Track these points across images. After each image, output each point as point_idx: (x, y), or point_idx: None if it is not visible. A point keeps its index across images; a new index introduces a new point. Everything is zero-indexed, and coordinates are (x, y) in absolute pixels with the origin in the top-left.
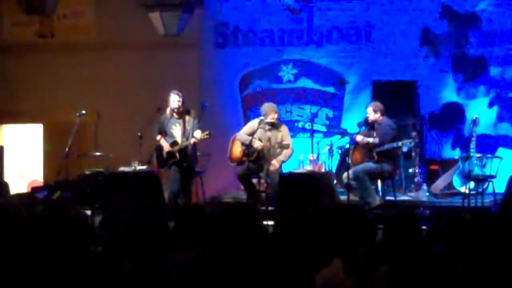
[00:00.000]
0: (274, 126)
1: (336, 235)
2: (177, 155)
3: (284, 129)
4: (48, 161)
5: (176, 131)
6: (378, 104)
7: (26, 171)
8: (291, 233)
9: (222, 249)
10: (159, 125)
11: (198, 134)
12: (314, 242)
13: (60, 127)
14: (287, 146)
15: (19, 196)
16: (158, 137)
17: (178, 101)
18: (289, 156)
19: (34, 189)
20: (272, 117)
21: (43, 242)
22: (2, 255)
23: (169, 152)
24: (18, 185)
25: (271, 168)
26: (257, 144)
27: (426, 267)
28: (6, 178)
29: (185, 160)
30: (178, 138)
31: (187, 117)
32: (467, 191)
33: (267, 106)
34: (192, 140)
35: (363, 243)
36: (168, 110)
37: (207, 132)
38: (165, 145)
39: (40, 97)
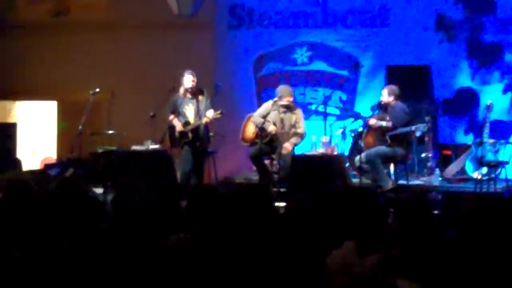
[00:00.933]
0: (288, 108)
1: (348, 217)
2: (190, 134)
3: (298, 112)
4: (61, 138)
5: (189, 110)
6: (393, 87)
7: (39, 148)
8: (302, 214)
9: (233, 229)
10: (172, 105)
11: (210, 113)
12: (325, 224)
13: (74, 105)
14: (300, 132)
15: (32, 172)
16: (171, 117)
17: (192, 81)
18: (302, 139)
19: (47, 166)
20: (287, 100)
21: (54, 219)
22: (14, 231)
23: (181, 132)
24: (31, 161)
25: (283, 151)
26: (271, 128)
27: (436, 251)
28: (19, 154)
29: (198, 140)
30: (191, 118)
31: (200, 97)
32: (479, 177)
33: (283, 89)
34: (204, 120)
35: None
36: (181, 90)
37: (219, 112)
38: (178, 125)
39: (54, 74)
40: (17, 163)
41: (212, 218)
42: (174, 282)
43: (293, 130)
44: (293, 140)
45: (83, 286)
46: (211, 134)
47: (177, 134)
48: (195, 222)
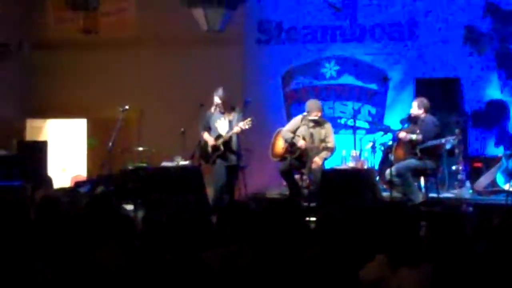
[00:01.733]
0: (317, 123)
1: (379, 230)
2: (222, 147)
3: (328, 127)
4: (91, 155)
5: (221, 125)
6: (424, 100)
7: (69, 165)
8: (333, 227)
9: (265, 245)
10: (205, 121)
11: (241, 123)
12: (357, 237)
13: (104, 122)
14: (330, 147)
15: (63, 190)
16: (203, 133)
17: (221, 98)
18: (332, 153)
19: (77, 184)
20: (315, 115)
21: (86, 237)
22: (46, 249)
23: (214, 146)
24: (61, 179)
25: (314, 165)
26: (300, 143)
27: (469, 264)
28: (50, 172)
29: (230, 152)
30: (223, 132)
31: (232, 114)
32: (511, 189)
33: (311, 103)
34: (236, 129)
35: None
36: (213, 106)
37: (249, 120)
38: (210, 140)
39: (84, 92)
40: (49, 180)
41: (244, 234)
42: None
43: (323, 144)
44: (323, 154)
45: None
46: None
47: (209, 148)
48: (226, 238)
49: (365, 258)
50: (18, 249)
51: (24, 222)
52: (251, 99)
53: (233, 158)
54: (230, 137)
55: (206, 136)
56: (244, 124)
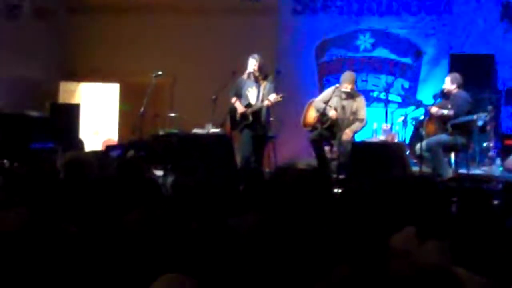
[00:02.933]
0: (350, 96)
1: (408, 204)
2: (250, 117)
3: (360, 100)
4: (123, 120)
5: (252, 93)
6: (457, 75)
7: (101, 129)
8: (361, 198)
9: (290, 215)
10: (236, 87)
11: (272, 97)
12: (384, 209)
13: (136, 87)
14: (361, 120)
15: (94, 153)
16: (234, 99)
17: (255, 65)
18: (362, 127)
19: (109, 148)
20: (345, 87)
21: (115, 200)
22: (73, 210)
23: (242, 114)
24: (93, 142)
25: (344, 136)
26: (331, 113)
27: (497, 240)
28: (82, 135)
29: (258, 123)
30: (253, 101)
31: (263, 82)
32: None
33: (345, 75)
34: (266, 103)
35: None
36: (245, 74)
37: (280, 95)
38: (239, 107)
39: (117, 57)
40: (80, 143)
41: (270, 203)
42: (235, 263)
43: (354, 117)
44: (354, 127)
45: (141, 263)
46: (271, 118)
47: (238, 116)
48: (252, 207)
49: (393, 229)
50: (46, 209)
51: (54, 183)
52: (283, 70)
53: (260, 128)
54: (260, 108)
55: (236, 103)
56: (276, 99)
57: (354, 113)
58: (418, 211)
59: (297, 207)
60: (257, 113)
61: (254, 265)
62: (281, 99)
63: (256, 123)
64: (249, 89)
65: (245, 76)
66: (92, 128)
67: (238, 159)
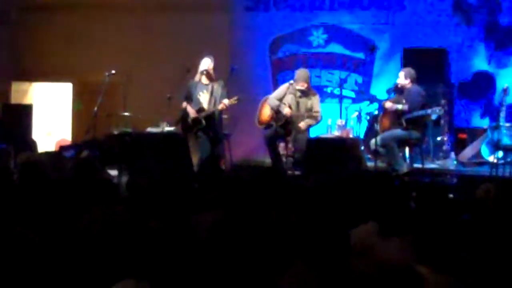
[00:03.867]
0: (305, 93)
1: (364, 200)
2: (203, 121)
3: (315, 98)
4: (77, 120)
5: (203, 97)
6: (410, 70)
7: (54, 129)
8: (320, 195)
9: (247, 212)
10: (187, 91)
11: (226, 101)
12: (341, 205)
13: (90, 86)
14: (315, 116)
15: (47, 154)
16: (184, 103)
17: (210, 64)
18: (317, 123)
19: (62, 148)
20: (301, 85)
21: (70, 201)
22: (28, 212)
23: (195, 119)
24: (46, 143)
25: (300, 128)
26: (286, 110)
27: (452, 234)
28: (35, 136)
29: (212, 126)
30: (205, 105)
31: (215, 85)
32: (495, 161)
33: (299, 72)
34: (220, 106)
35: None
36: (197, 75)
37: (235, 98)
38: (191, 111)
39: (70, 56)
40: (33, 144)
41: (227, 202)
42: (196, 262)
43: (308, 113)
44: (308, 121)
45: (101, 266)
46: (225, 116)
47: (190, 120)
48: (208, 205)
49: (351, 225)
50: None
51: (7, 186)
52: (237, 66)
53: (214, 131)
54: (213, 112)
55: (188, 107)
56: (231, 102)
57: (309, 110)
58: (377, 207)
59: (253, 204)
60: (209, 116)
61: (215, 263)
62: (236, 102)
63: (209, 127)
64: (201, 93)
65: (196, 78)
66: (45, 129)
67: (194, 159)
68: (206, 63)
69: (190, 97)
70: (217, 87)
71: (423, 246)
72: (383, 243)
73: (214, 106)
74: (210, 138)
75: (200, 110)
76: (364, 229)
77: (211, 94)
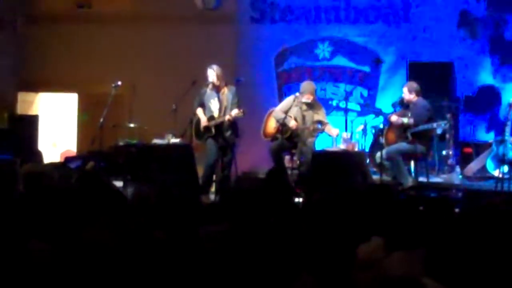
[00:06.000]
0: (311, 106)
1: (369, 214)
2: (213, 130)
3: (321, 112)
4: (82, 131)
5: (214, 105)
6: (414, 84)
7: (60, 140)
8: (324, 209)
9: (253, 224)
10: (199, 98)
11: (234, 112)
12: (346, 219)
13: (95, 97)
14: (325, 123)
15: (53, 165)
16: (198, 110)
17: (214, 75)
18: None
19: (67, 159)
20: (307, 98)
21: (76, 212)
22: (33, 223)
23: (205, 127)
24: (51, 154)
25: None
26: (292, 123)
27: (458, 249)
28: (40, 147)
29: (221, 134)
30: (215, 112)
31: (226, 92)
32: (500, 175)
33: (305, 85)
34: (227, 117)
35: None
36: (207, 85)
37: (241, 111)
38: (203, 119)
39: (76, 67)
40: (39, 155)
41: (233, 213)
42: (203, 273)
43: (314, 126)
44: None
45: (107, 278)
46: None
47: (201, 128)
48: (215, 217)
49: (357, 240)
50: (6, 223)
51: (12, 196)
52: (243, 79)
53: (222, 140)
54: (222, 121)
55: (200, 113)
56: (237, 114)
57: (315, 122)
58: (383, 221)
59: (257, 216)
60: (219, 125)
61: (221, 275)
62: (242, 114)
63: (219, 135)
64: (211, 100)
65: (207, 87)
66: (51, 139)
67: (200, 169)
68: (211, 75)
69: (202, 104)
70: (228, 94)
71: (436, 260)
72: (388, 257)
73: (224, 115)
74: (220, 146)
75: (211, 118)
76: (370, 244)
77: (221, 102)
